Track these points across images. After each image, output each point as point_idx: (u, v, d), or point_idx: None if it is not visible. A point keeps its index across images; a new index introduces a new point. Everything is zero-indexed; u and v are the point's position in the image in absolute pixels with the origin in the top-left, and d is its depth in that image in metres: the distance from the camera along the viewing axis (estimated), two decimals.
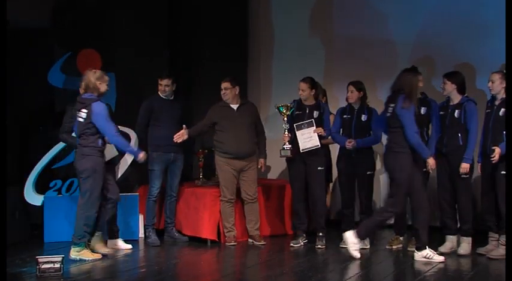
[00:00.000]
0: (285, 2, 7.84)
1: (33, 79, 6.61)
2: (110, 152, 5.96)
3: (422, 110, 5.90)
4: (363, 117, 6.05)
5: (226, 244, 6.16)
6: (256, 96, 7.74)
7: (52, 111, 6.96)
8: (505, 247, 5.53)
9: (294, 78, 6.40)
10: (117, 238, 6.11)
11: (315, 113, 6.12)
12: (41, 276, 4.83)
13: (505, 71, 5.62)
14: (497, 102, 5.62)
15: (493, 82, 5.61)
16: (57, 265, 4.88)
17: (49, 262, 4.89)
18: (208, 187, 6.49)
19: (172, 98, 6.43)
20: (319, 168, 6.12)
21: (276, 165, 7.11)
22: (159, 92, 6.41)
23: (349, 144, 5.96)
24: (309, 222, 6.30)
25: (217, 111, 6.25)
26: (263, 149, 6.42)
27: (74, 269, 5.20)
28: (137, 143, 6.48)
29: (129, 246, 6.06)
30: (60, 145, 6.54)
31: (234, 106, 6.26)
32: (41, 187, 6.52)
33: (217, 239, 6.26)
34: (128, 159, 6.47)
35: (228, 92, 6.23)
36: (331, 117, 6.30)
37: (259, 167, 6.42)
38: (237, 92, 6.28)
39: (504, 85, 5.55)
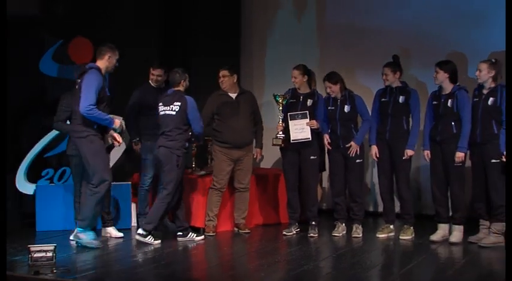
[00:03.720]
0: None
1: (24, 68, 6.52)
2: None
3: (401, 99, 5.90)
4: (346, 108, 6.02)
5: (206, 233, 6.09)
6: (249, 86, 7.69)
7: (44, 100, 6.89)
8: (496, 234, 5.58)
9: (287, 68, 6.36)
10: (111, 225, 6.06)
11: (309, 102, 6.10)
12: (33, 265, 4.77)
13: (493, 60, 5.61)
14: (485, 91, 5.61)
15: (480, 71, 5.60)
16: (50, 254, 4.83)
17: (41, 251, 4.84)
18: (202, 176, 6.44)
19: (163, 87, 6.37)
20: (312, 157, 6.10)
21: (270, 154, 7.10)
22: (150, 82, 6.34)
23: (353, 151, 5.98)
24: (301, 211, 6.28)
25: (215, 100, 6.19)
26: (260, 139, 6.39)
27: (66, 258, 5.16)
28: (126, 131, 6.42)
29: (121, 234, 6.01)
30: (52, 134, 6.48)
31: (233, 95, 6.20)
32: (33, 175, 6.46)
33: None
34: (122, 147, 6.40)
35: (226, 80, 6.17)
36: None
37: (254, 157, 6.39)
38: (235, 81, 6.23)
39: (492, 74, 5.54)
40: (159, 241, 5.69)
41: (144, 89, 6.32)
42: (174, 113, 5.67)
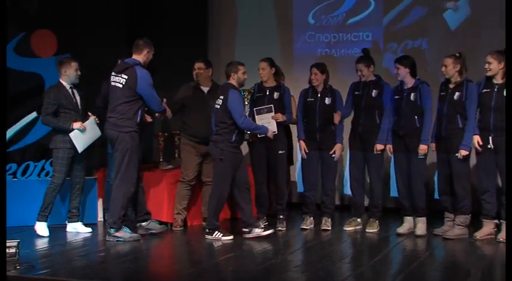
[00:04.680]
0: None
1: None
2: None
3: (374, 93, 5.94)
4: (327, 100, 6.02)
5: (173, 227, 6.06)
6: (216, 79, 7.65)
7: (5, 94, 6.69)
8: (460, 227, 5.66)
9: (255, 62, 6.33)
10: (78, 221, 5.99)
11: (276, 95, 6.08)
12: None
13: (457, 54, 5.66)
14: (451, 86, 5.65)
15: (446, 66, 5.64)
16: (13, 250, 4.69)
17: None
18: (169, 170, 6.38)
19: None
20: (280, 152, 6.09)
21: None
22: None
23: (338, 154, 6.00)
24: (269, 205, 6.28)
25: (187, 91, 6.13)
26: None
27: (30, 254, 5.04)
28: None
29: (89, 229, 5.94)
30: (15, 128, 6.33)
31: (205, 88, 6.15)
32: None
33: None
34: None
35: (202, 72, 6.11)
36: (293, 101, 6.23)
37: None
38: (210, 74, 6.17)
39: (457, 69, 5.59)
40: (231, 237, 5.62)
41: None
42: (218, 107, 5.58)
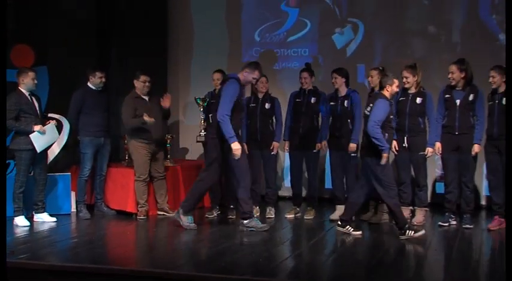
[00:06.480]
0: (202, 2, 7.97)
1: None
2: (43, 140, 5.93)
3: (313, 100, 6.23)
4: (267, 105, 6.30)
5: (138, 217, 6.24)
6: (175, 87, 7.82)
7: (5, 94, 6.73)
8: (384, 213, 6.03)
9: (210, 73, 6.57)
10: (44, 212, 6.11)
11: None
12: None
13: (380, 68, 6.08)
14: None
15: (372, 77, 6.06)
16: None
17: None
18: (133, 167, 6.49)
19: (100, 89, 6.49)
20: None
21: (195, 148, 7.30)
22: (89, 83, 6.44)
23: (275, 150, 6.25)
24: (222, 196, 6.52)
25: (133, 102, 6.27)
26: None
27: (9, 241, 5.01)
28: (68, 129, 6.44)
29: (54, 219, 6.04)
30: None
31: (146, 97, 6.37)
32: None
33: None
34: (60, 143, 6.42)
35: (150, 85, 6.36)
36: None
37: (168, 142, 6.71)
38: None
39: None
40: (360, 232, 5.48)
41: (84, 90, 6.43)
42: (367, 113, 5.39)
